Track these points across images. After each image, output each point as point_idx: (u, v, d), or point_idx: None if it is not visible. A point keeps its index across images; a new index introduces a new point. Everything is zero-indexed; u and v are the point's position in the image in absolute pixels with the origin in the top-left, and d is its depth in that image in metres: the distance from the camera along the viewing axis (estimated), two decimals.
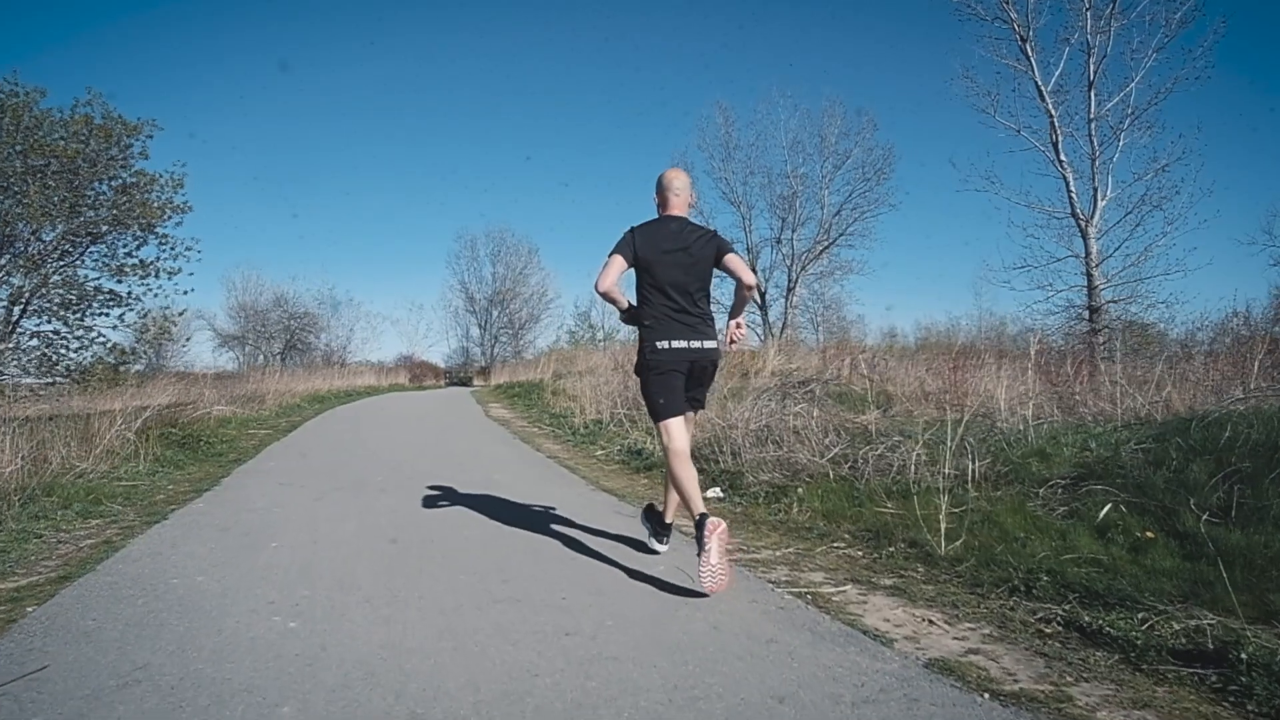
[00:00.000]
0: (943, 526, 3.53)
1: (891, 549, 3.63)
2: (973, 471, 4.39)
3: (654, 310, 3.22)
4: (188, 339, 29.42)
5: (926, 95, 40.15)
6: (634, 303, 3.32)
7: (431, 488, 5.40)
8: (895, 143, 31.25)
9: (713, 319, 3.35)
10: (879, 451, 4.88)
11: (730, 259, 3.26)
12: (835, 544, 3.79)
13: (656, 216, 3.37)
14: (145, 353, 14.32)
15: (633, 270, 3.27)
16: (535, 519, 4.37)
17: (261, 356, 33.22)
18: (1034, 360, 5.90)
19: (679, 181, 3.35)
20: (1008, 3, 14.95)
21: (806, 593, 3.02)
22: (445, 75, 47.85)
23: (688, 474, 3.11)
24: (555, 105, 49.60)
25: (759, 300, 25.07)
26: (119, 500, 5.09)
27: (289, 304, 34.14)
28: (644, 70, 45.43)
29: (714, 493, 5.08)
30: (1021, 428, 5.42)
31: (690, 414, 3.35)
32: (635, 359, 3.38)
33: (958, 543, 3.50)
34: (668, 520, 3.59)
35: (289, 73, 41.88)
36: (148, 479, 6.01)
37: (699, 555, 2.88)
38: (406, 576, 3.19)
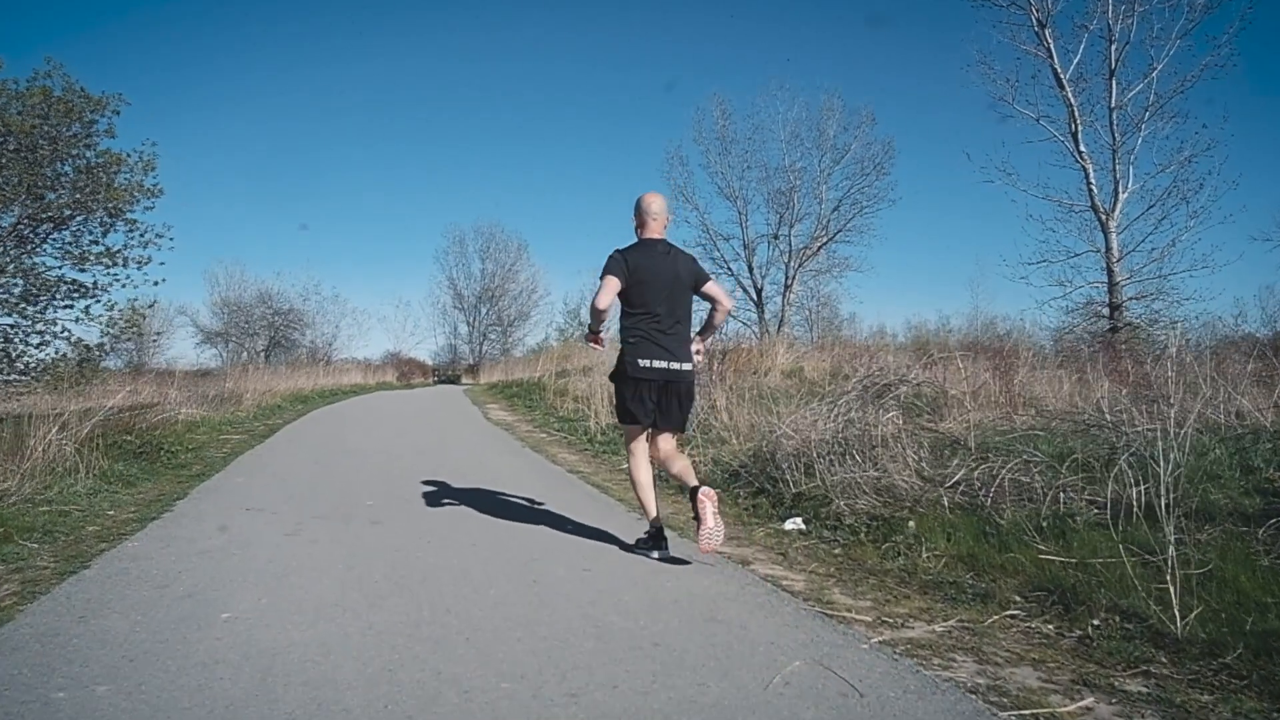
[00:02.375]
0: (1175, 593, 2.44)
1: (1095, 622, 2.54)
2: (1138, 500, 3.33)
3: (639, 328, 3.28)
4: (158, 334, 27.85)
5: (923, 92, 39.25)
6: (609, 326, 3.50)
7: (437, 517, 4.26)
8: (894, 137, 29.79)
9: (690, 340, 3.42)
10: (1002, 472, 3.80)
11: (711, 286, 3.45)
12: (1008, 612, 2.69)
13: (637, 239, 3.41)
14: (111, 348, 12.97)
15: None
16: (581, 569, 3.23)
17: (245, 354, 31.64)
18: (1181, 356, 4.80)
19: (656, 205, 3.40)
20: None
21: (1042, 715, 1.92)
22: (434, 70, 46.40)
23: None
24: (546, 100, 48.29)
25: (755, 299, 24.05)
26: (37, 535, 3.87)
27: (273, 300, 32.58)
28: (637, 65, 44.28)
29: (794, 524, 3.97)
30: (1146, 438, 4.36)
31: (671, 435, 3.42)
32: (615, 367, 3.44)
33: (1191, 615, 2.42)
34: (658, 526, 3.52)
35: (280, 77, 40.21)
36: (85, 501, 4.78)
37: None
38: (419, 685, 2.04)
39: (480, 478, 5.61)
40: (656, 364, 3.23)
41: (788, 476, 4.47)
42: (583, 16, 44.69)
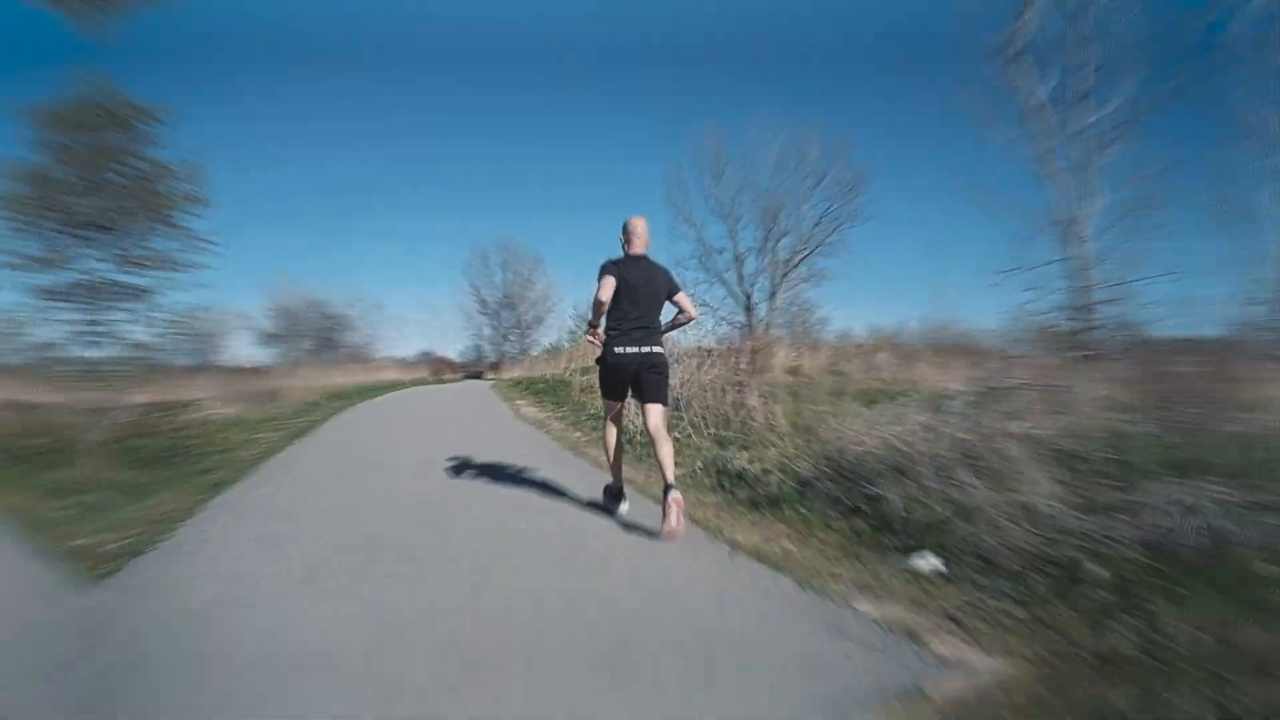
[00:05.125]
0: None
1: None
2: None
3: (621, 322, 3.42)
4: (210, 335, 26.30)
5: (893, 113, 37.46)
6: (603, 321, 3.48)
7: (485, 554, 2.97)
8: (868, 163, 28.24)
9: (661, 330, 3.55)
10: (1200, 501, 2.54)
11: (681, 296, 3.58)
12: None
13: (624, 254, 3.51)
14: (171, 348, 11.59)
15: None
16: (714, 649, 1.96)
17: (296, 353, 30.12)
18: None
19: (641, 227, 3.52)
20: None
21: None
22: (450, 100, 44.95)
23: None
24: (558, 122, 46.91)
25: (746, 299, 22.80)
26: None
27: (322, 306, 31.05)
28: (642, 85, 42.74)
29: (928, 562, 2.71)
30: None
31: (658, 407, 3.43)
32: (599, 354, 3.53)
33: None
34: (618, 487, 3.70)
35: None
36: (73, 525, 3.48)
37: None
38: None
39: (525, 491, 4.32)
40: (629, 350, 3.37)
41: (889, 494, 3.21)
42: (585, 37, 43.20)
